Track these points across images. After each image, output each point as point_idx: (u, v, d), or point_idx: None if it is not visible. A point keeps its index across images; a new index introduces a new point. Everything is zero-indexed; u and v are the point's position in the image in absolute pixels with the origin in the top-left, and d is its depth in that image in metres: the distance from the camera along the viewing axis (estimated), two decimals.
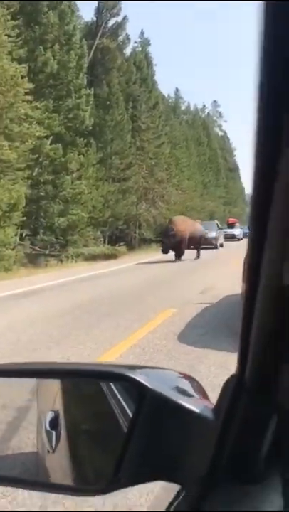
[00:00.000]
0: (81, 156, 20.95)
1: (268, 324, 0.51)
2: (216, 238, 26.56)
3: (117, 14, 30.47)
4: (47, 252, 19.49)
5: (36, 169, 18.54)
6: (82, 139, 21.22)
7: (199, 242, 19.29)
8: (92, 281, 12.08)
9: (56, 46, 19.48)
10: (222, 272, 12.30)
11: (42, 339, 5.50)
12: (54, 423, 0.80)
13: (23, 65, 16.11)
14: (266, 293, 0.48)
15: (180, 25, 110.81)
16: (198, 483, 0.60)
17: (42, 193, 18.91)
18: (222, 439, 0.59)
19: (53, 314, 7.13)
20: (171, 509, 0.63)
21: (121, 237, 27.29)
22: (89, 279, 12.58)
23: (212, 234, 25.91)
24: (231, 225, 38.04)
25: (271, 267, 0.46)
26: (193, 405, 0.62)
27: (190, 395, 0.66)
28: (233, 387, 0.59)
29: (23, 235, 18.64)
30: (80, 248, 21.05)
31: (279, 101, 0.39)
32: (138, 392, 0.62)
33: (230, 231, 35.77)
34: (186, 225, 18.42)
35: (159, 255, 18.61)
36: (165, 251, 17.79)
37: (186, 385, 0.70)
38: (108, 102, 25.63)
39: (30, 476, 0.78)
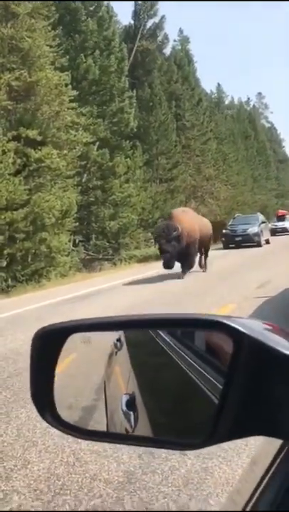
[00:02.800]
0: (128, 159, 21.04)
1: None
2: (258, 234, 22.29)
3: (155, 15, 30.50)
4: (100, 256, 19.68)
5: (85, 175, 18.78)
6: (127, 141, 21.32)
7: (208, 246, 14.15)
8: (144, 283, 12.09)
9: (97, 52, 19.68)
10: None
11: None
12: (131, 405, 0.87)
13: (66, 73, 16.35)
14: None
15: (218, 20, 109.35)
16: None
17: (92, 199, 19.12)
18: None
19: (120, 309, 7.55)
20: (274, 466, 0.59)
21: None
22: (142, 281, 12.56)
23: (254, 229, 22.30)
24: (281, 218, 34.10)
25: None
26: None
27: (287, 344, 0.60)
28: None
29: (77, 240, 18.91)
30: (132, 250, 21.11)
31: None
32: (236, 340, 0.58)
33: (280, 224, 32.01)
34: (193, 221, 12.92)
35: (211, 253, 17.23)
36: (168, 264, 11.92)
37: (281, 334, 0.64)
38: (151, 103, 25.61)
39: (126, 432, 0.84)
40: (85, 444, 3.28)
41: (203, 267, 13.72)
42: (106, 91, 20.02)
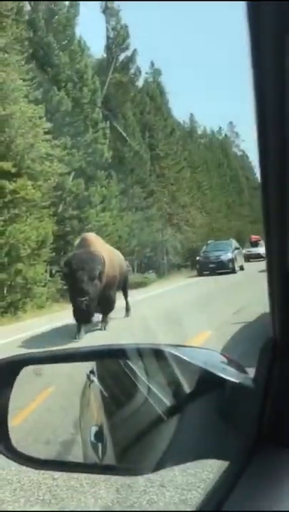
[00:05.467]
0: (103, 188, 21.21)
1: None
2: (232, 260, 22.25)
3: (126, 49, 31.27)
4: None
5: (61, 205, 18.81)
6: (102, 171, 21.53)
7: (127, 284, 11.72)
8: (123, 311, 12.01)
9: (69, 84, 20.03)
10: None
11: None
12: (99, 436, 0.89)
13: (40, 106, 16.56)
14: None
15: (189, 51, 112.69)
16: (245, 455, 0.60)
17: (68, 228, 19.11)
18: (263, 405, 0.59)
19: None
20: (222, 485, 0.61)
21: (149, 264, 27.23)
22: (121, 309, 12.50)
23: (227, 255, 22.30)
24: (255, 243, 33.78)
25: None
26: (233, 377, 0.61)
27: (229, 370, 0.65)
28: (269, 351, 0.59)
29: (53, 271, 18.78)
30: None
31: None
32: (179, 368, 0.62)
33: (254, 250, 31.33)
34: (110, 252, 10.11)
35: (187, 280, 17.59)
36: (88, 314, 8.64)
37: (225, 361, 0.69)
38: (125, 134, 26.04)
39: (76, 459, 0.87)
40: (61, 480, 3.21)
41: (128, 309, 10.97)
42: (80, 122, 20.28)
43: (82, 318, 8.57)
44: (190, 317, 8.99)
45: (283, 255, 0.51)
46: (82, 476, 3.19)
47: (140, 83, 33.63)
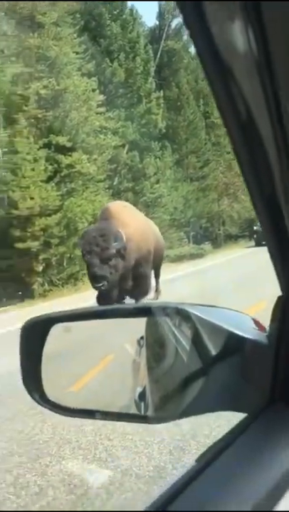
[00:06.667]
0: (157, 159, 21.08)
1: None
2: None
3: (179, 14, 30.36)
4: None
5: (116, 178, 18.95)
6: (157, 142, 21.37)
7: (161, 263, 9.83)
8: (182, 280, 12.07)
9: (122, 55, 19.84)
10: None
11: None
12: (142, 395, 0.94)
13: (93, 79, 16.57)
14: None
15: None
16: (259, 410, 0.63)
17: (123, 201, 19.26)
18: (276, 361, 0.62)
19: None
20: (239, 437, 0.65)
21: (205, 235, 27.00)
22: (177, 279, 12.58)
23: None
24: None
25: None
26: (252, 336, 0.65)
27: (251, 330, 0.68)
28: (281, 308, 0.61)
29: None
30: (166, 250, 21.08)
31: None
32: (204, 328, 0.66)
33: None
34: (143, 224, 8.45)
35: (244, 250, 17.30)
36: (107, 300, 7.13)
37: (249, 323, 0.72)
38: (179, 103, 25.57)
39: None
40: (117, 441, 3.36)
41: (157, 291, 9.40)
42: (133, 93, 20.14)
43: (101, 301, 7.21)
44: (245, 288, 8.91)
45: None
46: (137, 437, 3.33)
47: (194, 49, 32.71)
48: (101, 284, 7.00)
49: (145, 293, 8.05)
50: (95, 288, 7.17)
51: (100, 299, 7.29)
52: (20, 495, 2.84)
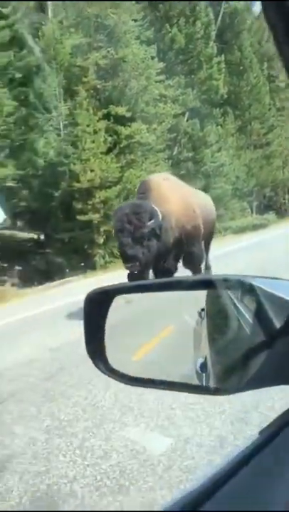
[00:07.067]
0: (219, 127, 20.56)
1: None
2: None
3: None
4: None
5: (176, 148, 18.70)
6: (218, 109, 20.81)
7: (211, 238, 9.23)
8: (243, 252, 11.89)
9: (182, 20, 19.26)
10: None
11: None
12: (203, 366, 0.96)
13: (152, 46, 16.26)
14: None
15: None
16: None
17: (183, 171, 19.01)
18: None
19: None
20: None
21: (269, 205, 26.23)
22: (238, 250, 12.39)
23: None
24: None
25: None
26: None
27: None
28: None
29: None
30: (227, 222, 20.78)
31: None
32: (268, 301, 0.64)
33: None
34: (188, 199, 7.71)
35: None
36: (136, 278, 6.49)
37: None
38: (241, 67, 24.61)
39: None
40: (179, 410, 3.39)
41: (207, 267, 9.00)
42: (193, 59, 19.60)
43: (132, 274, 6.72)
44: None
45: None
46: (198, 407, 3.34)
47: (257, 9, 31.16)
48: (131, 265, 6.54)
49: (196, 270, 7.57)
50: (126, 268, 6.66)
51: (130, 280, 6.63)
52: (86, 457, 2.95)
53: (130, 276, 6.69)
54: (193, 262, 7.47)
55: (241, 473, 0.59)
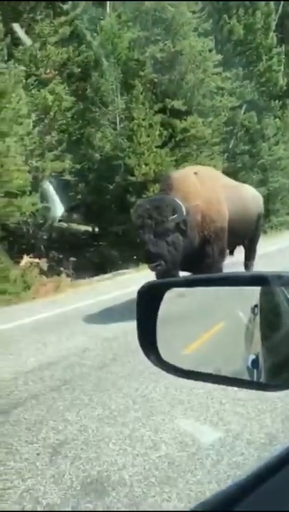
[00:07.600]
0: (277, 119, 20.03)
1: None
2: None
3: None
4: None
5: (232, 141, 18.40)
6: (277, 101, 20.24)
7: (255, 236, 8.67)
8: None
9: (241, 10, 18.86)
10: None
11: None
12: (255, 363, 0.96)
13: (210, 38, 16.04)
14: None
15: None
16: None
17: (239, 165, 18.70)
18: None
19: None
20: None
21: None
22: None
23: None
24: None
25: None
26: None
27: None
28: None
29: None
30: (284, 217, 20.27)
31: None
32: None
33: None
34: (216, 193, 6.97)
35: None
36: (165, 269, 6.02)
37: None
38: None
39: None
40: (228, 405, 3.38)
41: (248, 266, 8.51)
42: (252, 50, 19.16)
43: (157, 275, 6.15)
44: None
45: None
46: (249, 403, 3.32)
47: None
48: (155, 264, 5.89)
49: (209, 270, 6.67)
50: (150, 268, 6.07)
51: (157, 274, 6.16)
52: (135, 447, 3.01)
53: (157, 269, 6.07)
54: (207, 268, 6.59)
55: (277, 476, 0.58)
